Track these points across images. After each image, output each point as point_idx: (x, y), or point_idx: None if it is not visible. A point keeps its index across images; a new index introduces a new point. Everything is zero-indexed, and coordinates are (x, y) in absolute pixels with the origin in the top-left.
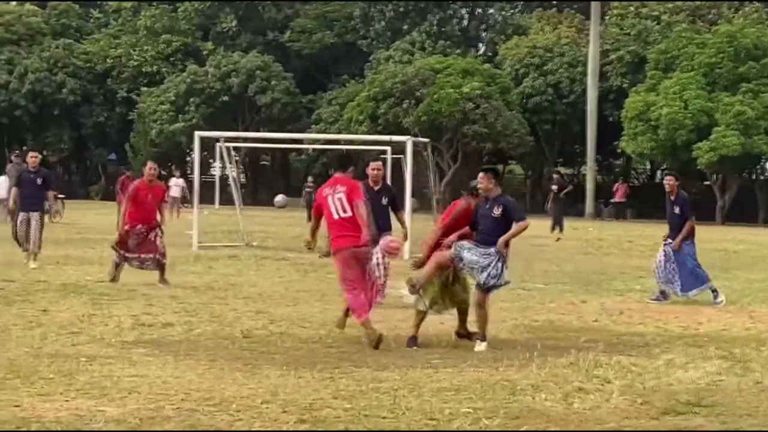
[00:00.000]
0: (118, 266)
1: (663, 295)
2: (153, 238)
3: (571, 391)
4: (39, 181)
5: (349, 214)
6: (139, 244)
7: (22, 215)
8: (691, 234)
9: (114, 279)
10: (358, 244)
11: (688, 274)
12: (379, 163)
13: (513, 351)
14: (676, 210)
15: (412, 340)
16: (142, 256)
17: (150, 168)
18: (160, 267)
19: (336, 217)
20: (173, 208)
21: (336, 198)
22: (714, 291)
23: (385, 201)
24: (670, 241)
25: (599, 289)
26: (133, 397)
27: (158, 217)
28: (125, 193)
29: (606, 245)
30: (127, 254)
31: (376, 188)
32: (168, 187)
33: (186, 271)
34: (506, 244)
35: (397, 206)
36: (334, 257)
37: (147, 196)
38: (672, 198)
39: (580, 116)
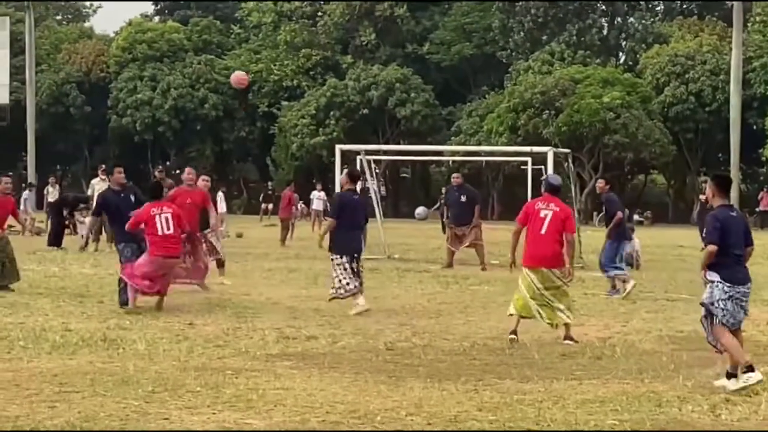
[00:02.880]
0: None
1: None
2: (193, 248)
3: (719, 402)
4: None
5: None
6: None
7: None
8: None
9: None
10: None
11: None
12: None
13: (658, 362)
14: None
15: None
16: (192, 281)
17: (188, 173)
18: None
19: None
20: (316, 221)
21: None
22: None
23: None
24: None
25: None
26: (279, 410)
27: (212, 220)
28: (288, 206)
29: (752, 255)
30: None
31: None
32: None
33: (329, 284)
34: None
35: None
36: None
37: (186, 200)
38: None
39: (723, 124)
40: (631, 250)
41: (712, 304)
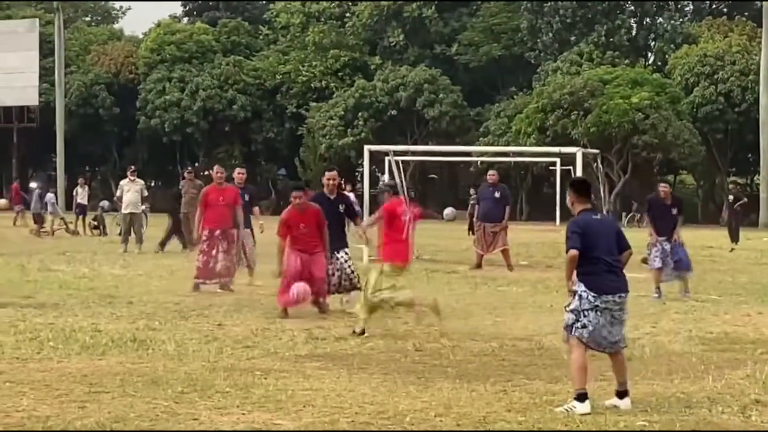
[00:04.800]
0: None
1: None
2: (227, 247)
3: (749, 404)
4: (246, 197)
5: None
6: (217, 262)
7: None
8: None
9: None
10: None
11: None
12: (334, 173)
13: (688, 363)
14: None
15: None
16: (221, 279)
17: (217, 171)
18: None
19: None
20: None
21: None
22: None
23: (341, 209)
24: None
25: None
26: (308, 411)
27: (238, 219)
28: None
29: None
30: (206, 282)
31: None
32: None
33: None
34: None
35: (354, 214)
36: None
37: (218, 198)
38: None
39: (752, 125)
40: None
41: (574, 312)
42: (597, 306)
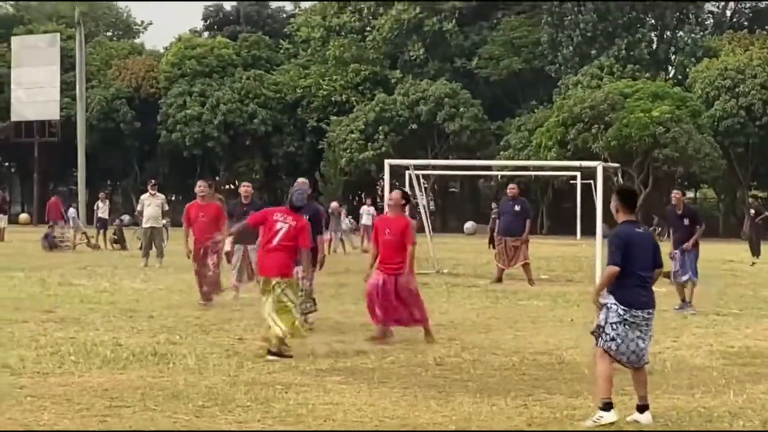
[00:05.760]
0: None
1: None
2: (207, 260)
3: None
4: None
5: None
6: (204, 277)
7: (239, 247)
8: None
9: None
10: None
11: None
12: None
13: (709, 377)
14: None
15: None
16: (206, 290)
17: (199, 186)
18: (211, 284)
19: None
20: (365, 236)
21: None
22: None
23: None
24: None
25: None
26: (329, 425)
27: (218, 235)
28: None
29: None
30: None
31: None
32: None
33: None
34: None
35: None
36: None
37: (198, 214)
38: None
39: None
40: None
41: (602, 326)
42: (626, 320)
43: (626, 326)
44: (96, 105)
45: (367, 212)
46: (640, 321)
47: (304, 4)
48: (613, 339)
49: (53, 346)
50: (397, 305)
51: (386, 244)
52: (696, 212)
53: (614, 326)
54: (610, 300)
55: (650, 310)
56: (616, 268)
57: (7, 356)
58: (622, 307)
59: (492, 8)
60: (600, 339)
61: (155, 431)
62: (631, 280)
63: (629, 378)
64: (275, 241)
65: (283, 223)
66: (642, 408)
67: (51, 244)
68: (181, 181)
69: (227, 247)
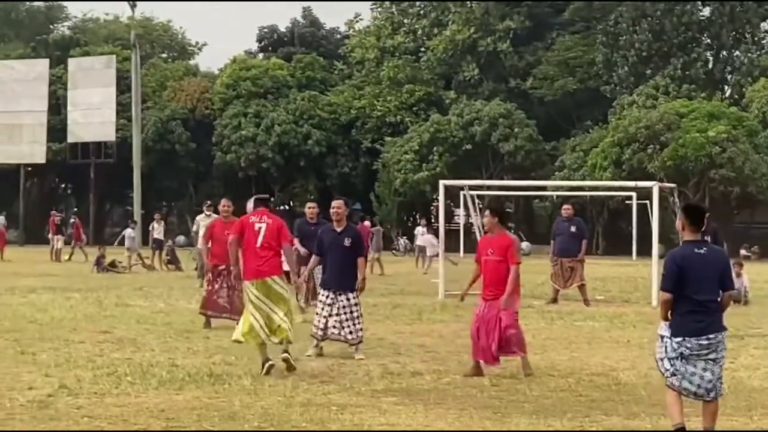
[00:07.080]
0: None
1: None
2: (232, 282)
3: None
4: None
5: None
6: (224, 296)
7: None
8: None
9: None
10: None
11: None
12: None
13: (767, 399)
14: None
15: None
16: (225, 315)
17: (223, 205)
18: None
19: None
20: (420, 257)
21: None
22: None
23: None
24: None
25: None
26: None
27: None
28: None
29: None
30: (215, 314)
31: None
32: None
33: (433, 319)
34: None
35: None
36: None
37: (223, 232)
38: None
39: None
40: (739, 285)
41: (661, 359)
42: (682, 353)
43: (684, 360)
44: (151, 126)
45: (421, 233)
46: (698, 349)
47: (358, 26)
48: (673, 374)
49: (110, 367)
50: (496, 336)
51: (488, 265)
52: (716, 231)
53: (672, 361)
54: (665, 331)
55: (709, 336)
56: (667, 295)
57: (65, 377)
58: (676, 340)
59: (546, 28)
60: (664, 371)
61: None
62: (684, 306)
63: (687, 400)
64: (259, 240)
65: (260, 223)
66: None
67: (101, 267)
68: (235, 202)
69: (303, 277)
